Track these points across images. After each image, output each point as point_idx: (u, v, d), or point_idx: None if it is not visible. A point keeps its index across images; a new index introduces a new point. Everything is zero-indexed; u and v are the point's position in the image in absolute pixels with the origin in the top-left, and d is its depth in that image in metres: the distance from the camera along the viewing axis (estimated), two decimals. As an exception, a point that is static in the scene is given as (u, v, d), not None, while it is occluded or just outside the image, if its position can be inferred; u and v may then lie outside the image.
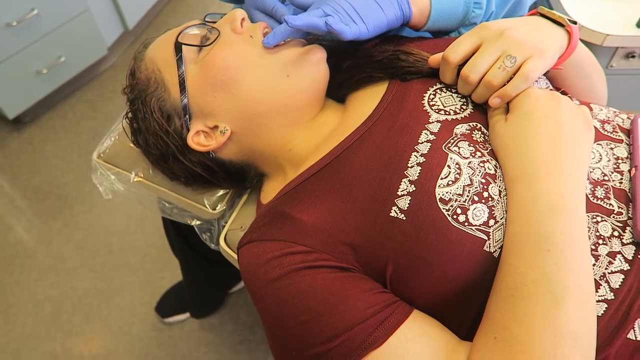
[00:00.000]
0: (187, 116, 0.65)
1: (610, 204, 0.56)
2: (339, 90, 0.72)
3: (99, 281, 1.60)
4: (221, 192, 0.79)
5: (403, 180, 0.54)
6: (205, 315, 1.51)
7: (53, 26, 1.84)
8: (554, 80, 0.71)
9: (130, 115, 0.71)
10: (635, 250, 0.53)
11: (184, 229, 1.13)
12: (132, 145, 0.77)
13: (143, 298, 1.56)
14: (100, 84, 2.20)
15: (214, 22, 0.68)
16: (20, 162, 1.93)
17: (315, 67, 0.65)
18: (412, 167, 0.54)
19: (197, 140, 0.66)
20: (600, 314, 0.51)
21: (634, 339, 0.51)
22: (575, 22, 0.61)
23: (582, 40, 0.95)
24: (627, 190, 0.57)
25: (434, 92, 0.63)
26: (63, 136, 2.01)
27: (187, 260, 1.28)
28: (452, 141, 0.56)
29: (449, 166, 0.54)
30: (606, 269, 0.52)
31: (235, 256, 0.73)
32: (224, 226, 0.79)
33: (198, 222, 0.85)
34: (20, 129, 2.03)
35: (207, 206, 0.78)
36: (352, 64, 0.71)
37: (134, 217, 1.74)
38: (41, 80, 1.92)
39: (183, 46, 0.64)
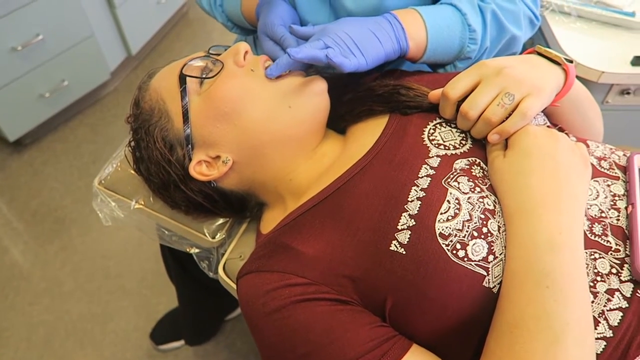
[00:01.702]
0: (190, 146, 0.66)
1: (608, 241, 0.56)
2: (339, 121, 0.73)
3: (94, 306, 1.59)
4: (221, 220, 0.79)
5: (403, 214, 0.54)
6: (200, 343, 1.49)
7: (57, 51, 1.87)
8: (551, 116, 0.72)
9: (133, 143, 0.72)
10: (633, 288, 0.53)
11: (181, 255, 1.12)
12: (133, 172, 0.78)
13: (138, 323, 1.54)
14: (102, 107, 2.22)
15: (218, 54, 0.70)
16: (19, 184, 1.93)
17: (316, 98, 0.67)
18: (412, 201, 0.55)
19: (199, 169, 0.67)
20: (599, 352, 0.51)
21: (634, 377, 0.50)
22: (571, 61, 0.63)
23: (578, 77, 0.97)
24: (625, 228, 0.57)
25: (433, 127, 0.64)
26: (63, 159, 2.02)
27: (183, 287, 1.27)
28: (451, 176, 0.57)
29: (448, 201, 0.54)
30: (605, 306, 0.52)
31: (234, 285, 0.73)
32: (222, 255, 0.79)
33: (197, 250, 0.85)
34: (21, 151, 2.03)
35: (207, 234, 0.78)
36: (353, 96, 0.72)
37: (131, 241, 1.73)
38: (44, 104, 1.94)
39: (187, 78, 0.65)
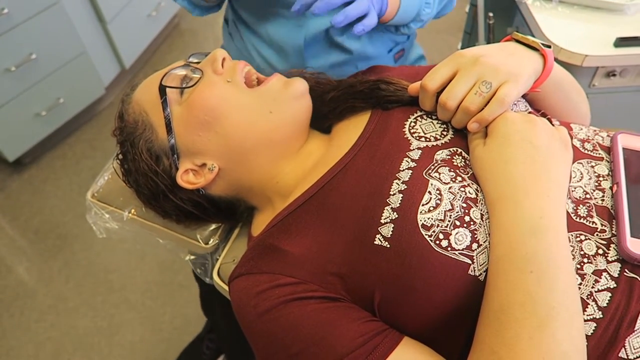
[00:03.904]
0: (175, 156, 0.66)
1: (594, 222, 0.56)
2: (324, 121, 0.74)
3: (100, 319, 1.59)
4: (213, 226, 0.80)
5: (385, 208, 0.54)
6: None
7: (51, 69, 1.88)
8: (535, 102, 0.72)
9: (120, 156, 0.73)
10: (620, 267, 0.53)
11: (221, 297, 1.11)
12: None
13: (144, 335, 1.55)
14: (99, 122, 2.23)
15: (198, 63, 0.70)
16: (20, 203, 1.94)
17: (298, 100, 0.67)
18: (394, 194, 0.55)
19: (186, 178, 0.67)
20: (589, 334, 0.51)
21: (626, 357, 0.50)
22: (549, 46, 0.63)
23: (562, 62, 0.98)
24: (610, 207, 0.57)
25: (414, 120, 0.64)
26: (62, 176, 2.03)
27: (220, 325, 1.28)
28: (432, 167, 0.57)
29: (429, 192, 0.55)
30: (592, 287, 0.52)
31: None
32: (217, 260, 0.80)
33: (192, 257, 0.85)
34: (21, 171, 2.05)
35: (200, 241, 0.79)
36: (335, 95, 0.72)
37: (133, 253, 1.74)
38: (41, 122, 1.95)
39: (167, 88, 0.66)
